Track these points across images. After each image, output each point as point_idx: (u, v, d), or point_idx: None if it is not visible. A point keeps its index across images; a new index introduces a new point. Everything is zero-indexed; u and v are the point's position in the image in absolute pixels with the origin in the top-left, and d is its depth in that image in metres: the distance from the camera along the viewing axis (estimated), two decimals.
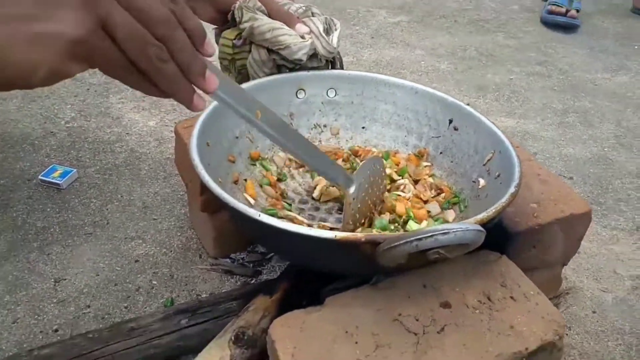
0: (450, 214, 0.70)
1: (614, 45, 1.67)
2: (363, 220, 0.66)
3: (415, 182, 0.75)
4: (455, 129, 0.76)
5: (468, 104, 0.76)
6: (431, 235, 0.47)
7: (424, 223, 0.69)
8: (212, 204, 0.76)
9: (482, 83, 1.40)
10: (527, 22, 1.80)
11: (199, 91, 0.42)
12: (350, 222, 0.63)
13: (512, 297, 0.57)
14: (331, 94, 0.81)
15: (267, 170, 0.75)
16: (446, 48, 1.58)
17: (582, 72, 1.48)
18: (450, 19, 1.78)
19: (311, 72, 0.78)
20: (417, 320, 0.54)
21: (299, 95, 0.79)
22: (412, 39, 1.62)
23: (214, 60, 0.46)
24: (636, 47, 1.66)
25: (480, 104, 1.29)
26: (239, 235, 0.81)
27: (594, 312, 0.79)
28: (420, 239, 0.47)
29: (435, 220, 0.70)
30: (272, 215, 0.67)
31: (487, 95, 1.34)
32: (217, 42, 0.78)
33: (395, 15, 1.78)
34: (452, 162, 0.76)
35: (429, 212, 0.70)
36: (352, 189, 0.63)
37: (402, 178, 0.75)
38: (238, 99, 0.48)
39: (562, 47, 1.63)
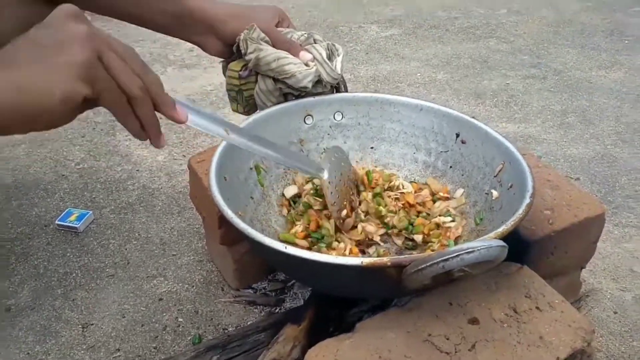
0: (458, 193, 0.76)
1: (604, 41, 1.69)
2: (345, 203, 0.71)
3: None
4: (463, 142, 0.77)
5: (473, 117, 0.77)
6: (457, 255, 0.48)
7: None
8: (231, 236, 0.77)
9: (480, 90, 1.42)
10: (516, 25, 1.83)
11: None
12: (334, 203, 0.69)
13: (537, 308, 0.58)
14: (338, 117, 0.82)
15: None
16: (440, 58, 1.60)
17: (576, 71, 1.51)
18: (441, 28, 1.81)
19: (317, 98, 0.80)
20: (447, 339, 0.55)
21: (307, 121, 0.81)
22: (406, 52, 1.65)
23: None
24: (626, 41, 1.68)
25: (480, 111, 1.31)
26: (259, 264, 0.82)
27: (615, 312, 0.79)
28: (446, 260, 0.48)
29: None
30: (290, 241, 0.69)
31: (485, 102, 1.36)
32: (224, 74, 0.79)
33: (387, 29, 1.81)
34: (462, 175, 0.77)
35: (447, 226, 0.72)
36: (325, 174, 0.69)
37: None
38: (210, 122, 0.55)
39: (554, 47, 1.66)
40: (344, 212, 0.71)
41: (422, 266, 0.50)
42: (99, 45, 0.46)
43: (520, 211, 0.59)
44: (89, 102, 0.46)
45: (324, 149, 0.80)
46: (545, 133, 1.23)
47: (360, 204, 0.75)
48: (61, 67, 0.44)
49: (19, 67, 0.44)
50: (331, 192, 0.69)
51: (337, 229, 0.71)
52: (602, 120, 1.27)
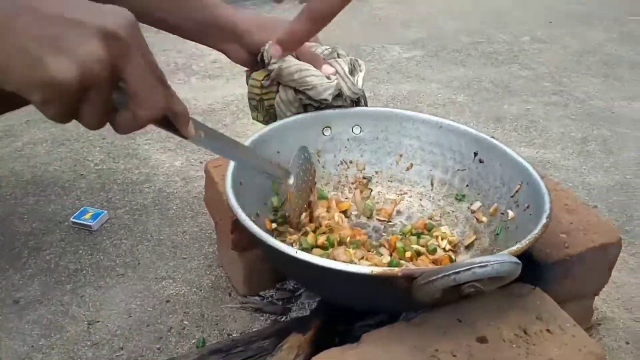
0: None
1: (628, 72, 1.68)
2: (305, 206, 0.73)
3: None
4: (481, 161, 0.77)
5: (492, 137, 0.77)
6: (469, 269, 0.48)
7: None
8: (243, 242, 0.77)
9: (499, 114, 1.41)
10: (539, 52, 1.82)
11: None
12: (296, 209, 0.70)
13: (548, 330, 0.57)
14: (356, 130, 0.82)
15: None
16: (461, 81, 1.60)
17: (598, 100, 1.49)
18: (463, 52, 1.81)
19: (337, 110, 0.80)
20: (454, 356, 0.54)
21: (325, 133, 0.81)
22: (427, 73, 1.65)
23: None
24: None
25: (499, 135, 1.30)
26: (268, 272, 0.82)
27: (627, 342, 0.77)
28: (458, 272, 0.48)
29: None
30: (306, 249, 0.69)
31: (505, 126, 1.35)
32: (247, 82, 0.80)
33: (409, 50, 1.82)
34: (479, 194, 0.76)
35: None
36: (291, 180, 0.69)
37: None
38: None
39: (577, 76, 1.65)
40: (303, 215, 0.73)
41: (433, 278, 0.49)
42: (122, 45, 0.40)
43: (537, 231, 0.58)
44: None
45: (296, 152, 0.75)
46: (565, 159, 1.21)
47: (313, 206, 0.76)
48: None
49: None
50: (295, 198, 0.70)
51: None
52: (623, 150, 1.25)
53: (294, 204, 0.70)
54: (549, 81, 1.61)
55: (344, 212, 0.79)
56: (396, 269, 0.51)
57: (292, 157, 0.72)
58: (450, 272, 0.48)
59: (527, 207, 0.67)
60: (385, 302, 0.60)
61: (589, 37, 1.97)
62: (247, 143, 0.72)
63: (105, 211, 0.96)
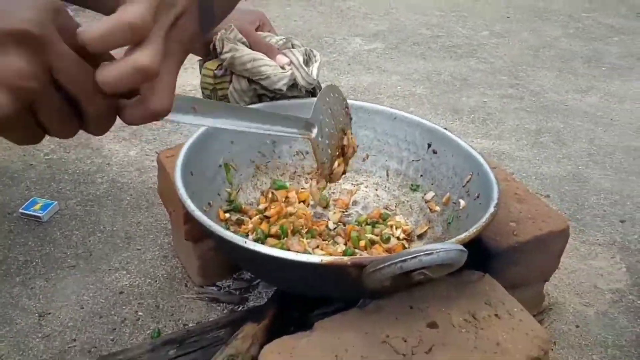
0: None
1: (582, 67, 1.72)
2: (338, 152, 0.65)
3: None
4: (434, 152, 0.78)
5: (445, 128, 0.78)
6: (415, 257, 0.48)
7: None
8: (196, 232, 0.76)
9: (458, 106, 1.43)
10: (497, 47, 1.86)
11: None
12: (325, 160, 0.62)
13: (496, 315, 0.58)
14: None
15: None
16: (421, 73, 1.62)
17: (553, 94, 1.53)
18: (423, 46, 1.83)
19: (292, 101, 0.80)
20: (405, 341, 0.55)
21: None
22: (388, 65, 1.66)
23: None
24: (603, 68, 1.72)
25: (457, 127, 1.33)
26: (224, 262, 0.81)
27: (577, 326, 0.80)
28: (404, 261, 0.48)
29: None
30: (260, 239, 0.68)
31: (462, 118, 1.37)
32: (200, 72, 0.79)
33: (371, 42, 1.83)
34: (432, 184, 0.78)
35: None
36: (314, 133, 0.59)
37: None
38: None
39: (532, 70, 1.69)
40: (336, 164, 0.65)
41: (381, 266, 0.50)
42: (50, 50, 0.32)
43: (484, 219, 0.59)
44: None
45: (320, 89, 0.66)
46: (519, 151, 1.24)
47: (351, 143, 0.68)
48: None
49: None
50: (322, 149, 0.60)
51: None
52: (575, 142, 1.29)
53: (320, 154, 0.60)
54: (505, 75, 1.65)
55: (303, 202, 0.79)
56: (346, 258, 0.52)
57: (315, 101, 0.61)
58: (397, 260, 0.49)
59: (478, 196, 0.69)
60: (337, 290, 0.61)
61: (546, 32, 2.02)
62: (199, 132, 0.71)
63: (56, 202, 0.94)
